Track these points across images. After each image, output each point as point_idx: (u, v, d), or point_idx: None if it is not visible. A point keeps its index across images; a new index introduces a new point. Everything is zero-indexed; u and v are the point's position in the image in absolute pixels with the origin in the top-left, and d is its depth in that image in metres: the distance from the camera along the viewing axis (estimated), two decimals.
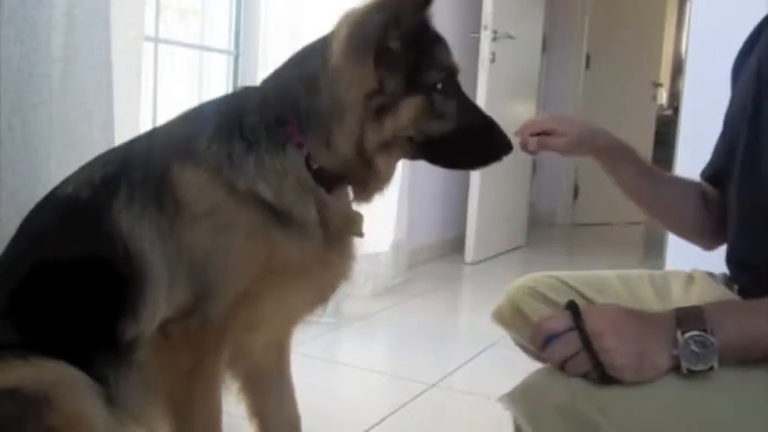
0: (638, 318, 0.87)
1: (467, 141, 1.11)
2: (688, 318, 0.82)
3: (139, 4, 2.02)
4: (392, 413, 1.94)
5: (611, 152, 1.29)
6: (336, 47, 1.06)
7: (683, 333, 0.81)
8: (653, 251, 4.41)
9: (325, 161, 1.07)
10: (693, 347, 0.80)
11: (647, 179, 1.31)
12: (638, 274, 1.27)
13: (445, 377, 2.25)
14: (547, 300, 1.21)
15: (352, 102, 1.04)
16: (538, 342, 0.89)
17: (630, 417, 0.81)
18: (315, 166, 1.07)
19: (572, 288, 1.22)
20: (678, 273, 1.25)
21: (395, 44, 1.05)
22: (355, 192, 1.14)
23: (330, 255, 1.11)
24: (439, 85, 1.08)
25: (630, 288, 1.22)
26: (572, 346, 0.85)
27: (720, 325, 0.81)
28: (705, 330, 0.80)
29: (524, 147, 1.29)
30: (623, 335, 0.83)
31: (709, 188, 1.27)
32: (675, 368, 0.82)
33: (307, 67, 1.09)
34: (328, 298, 1.17)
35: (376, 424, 1.86)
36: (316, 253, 1.08)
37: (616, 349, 0.82)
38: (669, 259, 2.54)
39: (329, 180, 1.09)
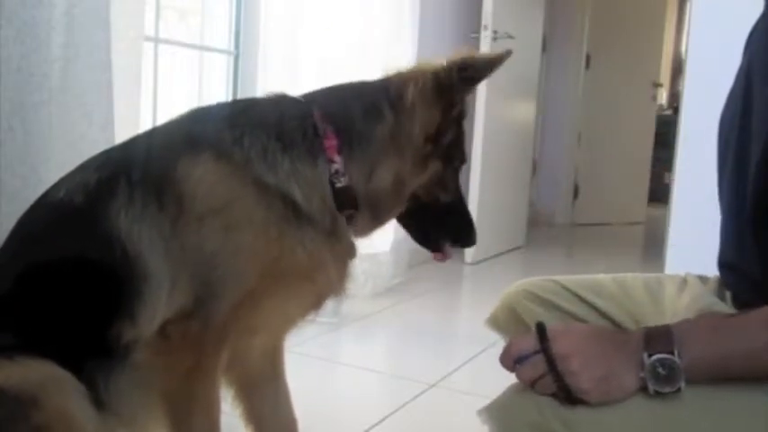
0: (606, 340, 0.87)
1: (452, 220, 1.23)
2: (656, 339, 0.82)
3: (139, 4, 2.02)
4: (392, 413, 1.94)
5: None
6: (414, 87, 1.13)
7: (650, 355, 0.81)
8: (653, 251, 4.41)
9: (358, 185, 1.11)
10: (660, 370, 0.80)
11: None
12: (633, 276, 1.26)
13: (445, 377, 2.25)
14: (544, 302, 1.21)
15: (415, 138, 1.13)
16: (507, 363, 0.89)
17: None
18: (338, 185, 1.10)
19: (569, 290, 1.22)
20: (672, 276, 1.25)
21: (459, 104, 1.15)
22: (355, 224, 1.16)
23: (330, 269, 1.12)
24: (456, 163, 1.20)
25: (626, 290, 1.22)
26: (538, 369, 0.85)
27: (688, 346, 0.81)
28: (672, 352, 0.80)
29: None
30: (589, 358, 0.83)
31: None
32: (643, 389, 0.82)
33: (369, 96, 1.15)
34: (321, 305, 1.18)
35: (376, 424, 1.86)
36: (321, 260, 1.09)
37: (581, 373, 0.82)
38: (669, 259, 2.54)
39: (343, 203, 1.11)
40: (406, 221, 1.23)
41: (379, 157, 1.12)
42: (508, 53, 1.16)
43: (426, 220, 1.21)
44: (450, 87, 1.13)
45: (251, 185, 1.04)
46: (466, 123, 1.21)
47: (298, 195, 1.06)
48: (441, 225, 1.23)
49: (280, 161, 1.06)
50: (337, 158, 1.10)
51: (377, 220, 1.18)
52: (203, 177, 1.04)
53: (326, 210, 1.10)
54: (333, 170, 1.09)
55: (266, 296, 1.07)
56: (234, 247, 1.03)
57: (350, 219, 1.14)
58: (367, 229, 1.19)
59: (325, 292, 1.16)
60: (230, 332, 1.07)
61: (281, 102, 1.17)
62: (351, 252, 1.17)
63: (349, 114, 1.12)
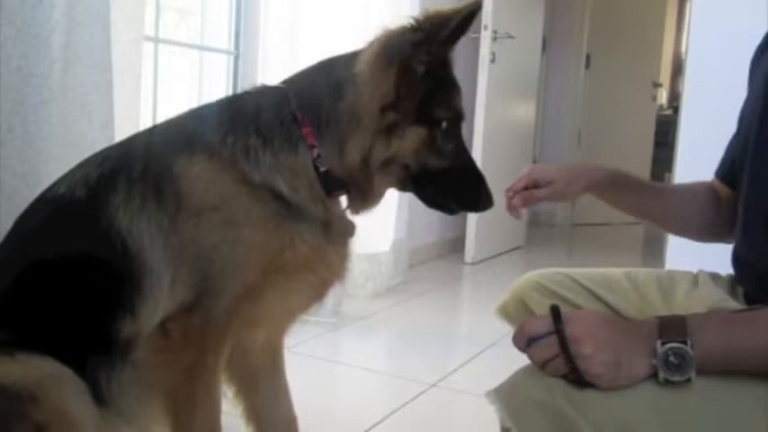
0: (619, 326, 0.88)
1: (455, 184, 1.15)
2: (670, 328, 0.83)
3: (139, 4, 2.02)
4: (392, 413, 1.94)
5: (605, 186, 1.29)
6: (364, 55, 1.09)
7: (663, 344, 0.81)
8: (652, 251, 4.41)
9: (335, 166, 1.10)
10: (672, 358, 0.80)
11: (650, 198, 1.32)
12: (645, 272, 1.27)
13: (445, 377, 2.25)
14: (554, 295, 1.21)
15: (369, 110, 1.07)
16: (520, 343, 0.90)
17: (606, 416, 0.82)
18: (322, 169, 1.09)
19: (579, 284, 1.22)
20: (685, 273, 1.25)
21: (419, 66, 1.08)
22: (349, 203, 1.16)
23: (330, 255, 1.13)
24: (444, 124, 1.12)
25: (637, 286, 1.22)
26: (551, 350, 0.86)
27: (701, 337, 0.81)
28: (685, 342, 0.81)
29: (511, 210, 1.29)
30: (601, 343, 0.83)
31: (722, 187, 1.27)
32: (654, 375, 0.82)
33: (335, 73, 1.11)
34: (324, 296, 1.18)
35: (376, 424, 1.86)
36: (320, 250, 1.10)
37: (593, 357, 0.82)
38: (669, 259, 2.54)
39: (331, 185, 1.11)
40: (414, 191, 1.16)
41: (345, 135, 1.09)
42: (473, 5, 1.09)
43: (428, 187, 1.15)
44: (398, 52, 1.07)
45: (241, 183, 1.05)
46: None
47: (283, 188, 1.06)
48: (445, 190, 1.15)
49: (261, 157, 1.07)
50: (316, 142, 1.09)
51: (366, 198, 1.15)
52: (200, 175, 1.05)
53: (316, 196, 1.09)
54: (315, 155, 1.09)
55: (267, 289, 1.07)
56: (232, 240, 1.04)
57: (343, 198, 1.13)
58: (360, 208, 1.16)
59: (326, 279, 1.15)
60: (232, 326, 1.08)
61: (259, 93, 1.16)
62: (349, 231, 1.16)
63: (319, 96, 1.11)
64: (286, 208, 1.07)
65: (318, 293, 1.17)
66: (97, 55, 1.74)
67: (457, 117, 1.14)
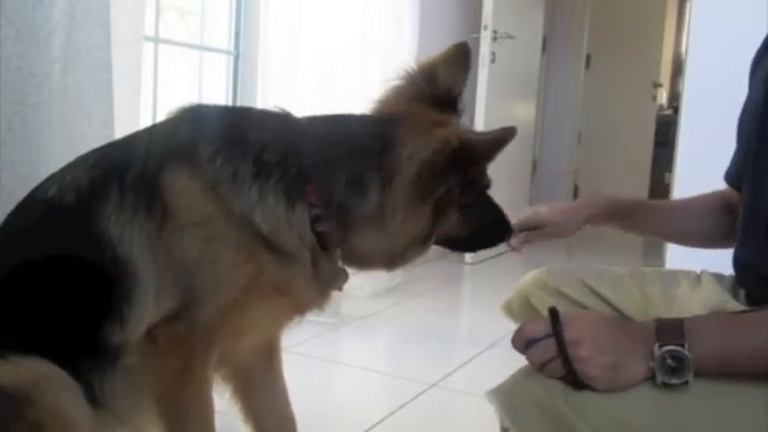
0: (618, 328, 0.88)
1: (477, 238, 1.19)
2: (667, 331, 0.83)
3: (139, 4, 2.03)
4: (392, 413, 1.94)
5: (605, 220, 1.33)
6: (400, 182, 1.03)
7: (661, 346, 0.81)
8: (653, 251, 4.41)
9: (336, 243, 1.08)
10: (669, 361, 0.81)
11: (660, 218, 1.35)
12: (650, 271, 1.27)
13: (445, 377, 2.25)
14: (558, 293, 1.21)
15: (403, 237, 1.07)
16: (519, 345, 0.90)
17: (606, 418, 0.82)
18: (319, 229, 1.06)
19: (583, 283, 1.22)
20: (688, 272, 1.25)
21: (454, 201, 1.08)
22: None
23: (308, 294, 1.11)
24: (472, 215, 1.13)
25: (641, 285, 1.23)
26: (549, 352, 0.86)
27: (699, 340, 0.81)
28: (683, 345, 0.81)
29: (513, 250, 1.34)
30: (599, 346, 0.84)
31: (732, 192, 1.26)
32: (651, 378, 0.82)
33: (356, 155, 1.05)
34: (305, 315, 1.17)
35: (376, 424, 1.86)
36: (296, 287, 1.08)
37: (591, 360, 0.83)
38: (669, 260, 2.54)
39: (328, 244, 1.08)
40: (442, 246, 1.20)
41: (355, 233, 1.06)
42: (508, 131, 1.10)
43: (451, 247, 1.20)
44: (433, 189, 1.04)
45: (221, 208, 1.03)
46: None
47: (263, 226, 1.03)
48: (468, 246, 1.22)
49: (248, 188, 1.03)
50: (319, 203, 1.05)
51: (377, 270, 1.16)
52: (183, 191, 1.04)
53: (305, 246, 1.06)
54: (313, 214, 1.05)
55: (249, 302, 1.06)
56: (213, 257, 1.03)
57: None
58: (362, 270, 1.16)
59: (306, 306, 1.15)
60: (216, 335, 1.07)
61: (268, 124, 1.11)
62: (338, 283, 1.14)
63: (332, 174, 1.05)
64: (264, 243, 1.04)
65: (300, 313, 1.16)
66: (97, 55, 1.74)
67: (484, 191, 1.15)
